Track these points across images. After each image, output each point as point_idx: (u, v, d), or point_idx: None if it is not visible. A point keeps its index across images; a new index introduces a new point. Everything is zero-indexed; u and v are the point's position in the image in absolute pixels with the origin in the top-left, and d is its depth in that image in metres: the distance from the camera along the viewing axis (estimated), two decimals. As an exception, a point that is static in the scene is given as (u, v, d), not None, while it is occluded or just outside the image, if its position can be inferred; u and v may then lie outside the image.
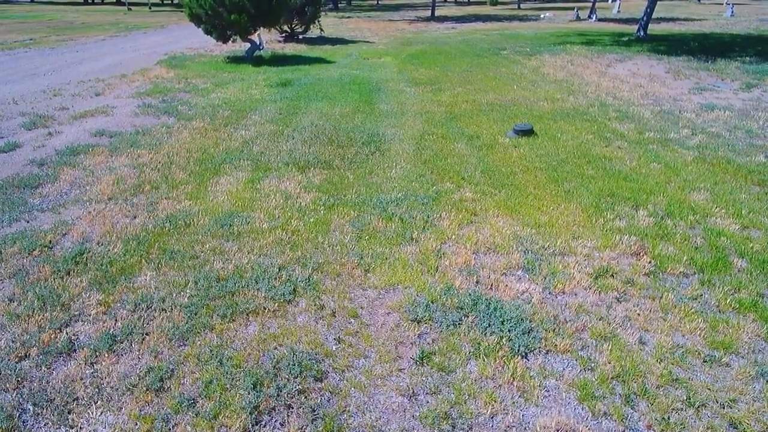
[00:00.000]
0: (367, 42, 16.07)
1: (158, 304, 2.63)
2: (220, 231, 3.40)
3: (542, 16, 26.99)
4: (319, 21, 16.83)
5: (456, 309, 2.65)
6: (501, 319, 2.53)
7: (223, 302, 2.65)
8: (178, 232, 3.37)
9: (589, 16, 24.62)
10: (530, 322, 2.55)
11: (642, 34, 15.30)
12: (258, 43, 12.31)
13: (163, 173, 4.44)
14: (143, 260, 3.02)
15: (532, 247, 3.29)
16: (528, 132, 5.61)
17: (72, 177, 4.37)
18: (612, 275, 3.00)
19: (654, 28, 16.93)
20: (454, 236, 3.42)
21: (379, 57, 12.74)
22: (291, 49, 14.34)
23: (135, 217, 3.58)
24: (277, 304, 2.65)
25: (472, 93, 8.00)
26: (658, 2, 35.16)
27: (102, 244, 3.22)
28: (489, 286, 2.87)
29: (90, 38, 17.02)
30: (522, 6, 36.17)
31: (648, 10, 15.30)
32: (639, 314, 2.65)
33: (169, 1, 42.70)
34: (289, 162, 4.80)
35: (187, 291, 2.74)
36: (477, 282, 2.91)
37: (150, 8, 33.87)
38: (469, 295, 2.75)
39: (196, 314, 2.55)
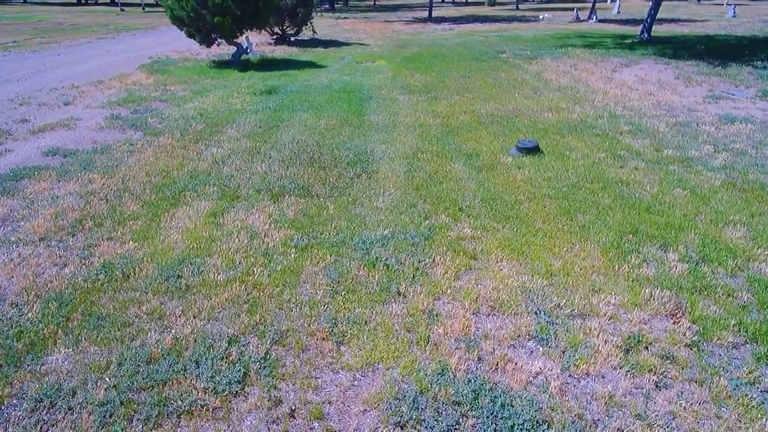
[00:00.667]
0: (362, 44, 15.48)
1: (65, 400, 2.03)
2: (164, 285, 2.79)
3: (541, 17, 26.44)
4: (311, 22, 16.22)
5: (452, 404, 2.05)
6: (510, 423, 1.94)
7: (150, 396, 2.04)
8: (112, 287, 2.76)
9: (589, 17, 24.09)
10: (549, 427, 1.95)
11: (646, 36, 14.74)
12: (245, 47, 11.70)
13: (111, 204, 3.82)
14: (60, 330, 2.42)
15: (544, 305, 2.70)
16: (533, 150, 5.02)
17: (6, 209, 3.76)
18: (646, 347, 2.41)
19: (657, 30, 16.38)
20: (449, 289, 2.83)
21: (373, 61, 12.15)
22: (281, 52, 13.74)
23: (65, 266, 2.97)
24: (219, 399, 2.05)
25: (470, 102, 7.41)
26: (664, 3, 34.68)
27: (16, 306, 2.61)
28: (494, 366, 2.27)
29: (76, 41, 16.38)
30: (520, 7, 35.62)
31: (652, 12, 14.75)
32: (686, 409, 2.06)
33: (162, 2, 42.10)
34: (262, 188, 4.20)
35: (107, 378, 2.13)
36: (479, 359, 2.32)
37: (143, 9, 33.18)
38: (470, 381, 2.15)
39: (110, 417, 1.95)
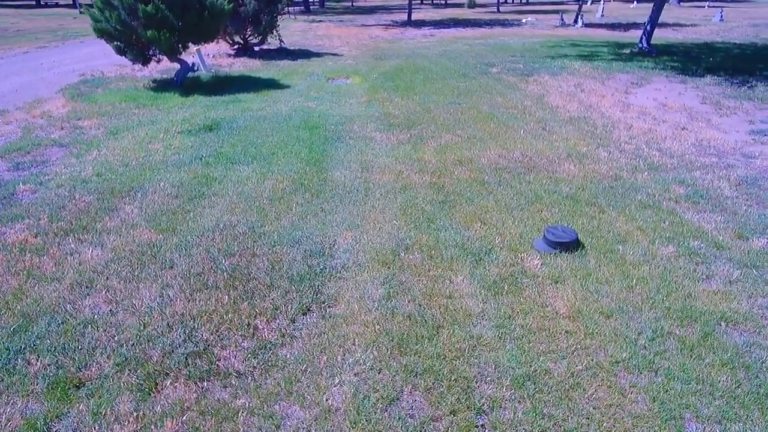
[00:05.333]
0: (335, 54, 13.76)
1: None
2: None
3: (524, 21, 25.14)
4: (277, 30, 14.39)
5: None
6: None
7: None
8: None
9: (575, 22, 22.86)
10: None
11: (646, 46, 13.40)
12: (191, 65, 9.84)
13: None
14: None
15: None
16: (570, 245, 3.41)
17: None
18: None
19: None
20: None
21: (347, 77, 10.45)
22: (240, 66, 11.90)
23: None
24: None
25: (465, 144, 5.78)
26: (639, 6, 33.85)
27: None
28: None
29: (11, 50, 14.20)
30: (501, 9, 34.38)
31: (652, 19, 13.41)
32: None
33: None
34: (130, 359, 2.46)
35: None
36: None
37: (80, 12, 30.64)
38: None
39: None
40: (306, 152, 5.55)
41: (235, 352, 2.53)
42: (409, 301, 2.91)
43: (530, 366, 2.41)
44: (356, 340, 2.62)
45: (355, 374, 2.39)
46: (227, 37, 13.79)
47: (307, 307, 2.89)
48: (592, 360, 2.45)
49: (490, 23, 24.21)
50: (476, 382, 2.32)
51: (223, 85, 9.38)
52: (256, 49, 14.46)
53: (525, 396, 2.24)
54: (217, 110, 7.43)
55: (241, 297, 2.97)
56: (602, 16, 27.35)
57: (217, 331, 2.68)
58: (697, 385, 2.27)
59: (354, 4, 44.92)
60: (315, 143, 5.88)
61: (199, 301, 2.92)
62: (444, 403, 2.20)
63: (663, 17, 20.79)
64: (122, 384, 2.31)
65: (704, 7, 33.81)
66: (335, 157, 5.42)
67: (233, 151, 5.56)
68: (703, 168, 5.01)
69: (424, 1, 48.37)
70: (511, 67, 11.10)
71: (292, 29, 20.36)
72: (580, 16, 22.77)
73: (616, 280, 3.09)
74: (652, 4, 13.63)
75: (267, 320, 2.78)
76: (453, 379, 2.33)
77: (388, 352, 2.52)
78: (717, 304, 2.84)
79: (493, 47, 14.74)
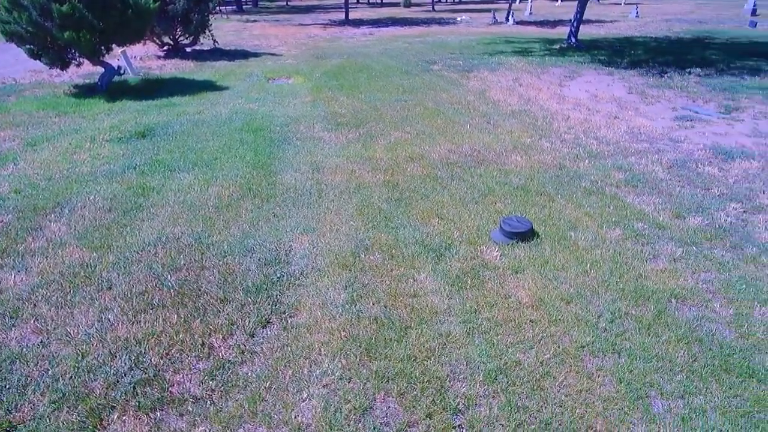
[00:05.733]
0: (274, 54, 13.35)
1: None
2: None
3: (459, 19, 25.80)
4: (210, 30, 13.73)
5: None
6: None
7: None
8: None
9: (507, 19, 23.77)
10: None
11: (573, 41, 14.17)
12: (117, 68, 9.13)
13: None
14: None
15: None
16: (525, 235, 3.47)
17: None
18: None
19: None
20: None
21: (288, 77, 10.17)
22: (173, 68, 11.24)
23: None
24: None
25: (415, 140, 5.77)
26: (563, 4, 35.78)
27: None
28: None
29: None
30: (436, 8, 35.09)
31: (578, 16, 14.20)
32: None
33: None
34: (68, 394, 2.18)
35: None
36: None
37: None
38: None
39: None
40: (251, 156, 5.30)
41: (189, 376, 2.32)
42: (373, 304, 2.82)
43: (500, 359, 2.40)
44: (322, 349, 2.49)
45: (324, 386, 2.26)
46: (155, 38, 12.97)
47: (266, 319, 2.72)
48: (559, 347, 2.48)
49: (427, 22, 24.60)
50: (449, 381, 2.27)
51: (155, 89, 8.79)
52: (188, 50, 13.73)
53: (498, 390, 2.22)
54: (150, 115, 6.94)
55: (192, 314, 2.74)
56: (531, 14, 28.62)
57: (167, 354, 2.45)
58: (658, 363, 2.36)
59: (289, 3, 44.04)
60: (260, 146, 5.63)
61: (145, 322, 2.66)
62: (419, 407, 2.13)
63: (586, 14, 22.08)
64: (61, 423, 2.04)
65: (621, 4, 36.39)
66: (283, 159, 5.21)
67: (171, 157, 5.19)
68: (637, 154, 5.32)
69: (360, 1, 48.40)
70: (451, 64, 11.30)
71: (225, 29, 19.57)
72: (511, 14, 23.71)
73: (571, 266, 3.17)
74: (576, 3, 14.44)
75: (223, 337, 2.58)
76: (426, 380, 2.27)
77: (357, 359, 2.41)
78: (666, 282, 2.99)
79: (432, 45, 14.95)
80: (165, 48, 13.48)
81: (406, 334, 2.58)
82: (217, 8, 17.82)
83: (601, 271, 3.11)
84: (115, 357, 2.42)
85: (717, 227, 3.67)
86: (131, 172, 4.78)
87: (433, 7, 35.12)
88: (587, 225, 3.71)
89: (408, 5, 38.50)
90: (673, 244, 3.44)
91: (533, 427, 2.04)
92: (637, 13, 26.19)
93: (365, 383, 2.28)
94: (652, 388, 2.22)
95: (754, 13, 23.19)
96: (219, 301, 2.86)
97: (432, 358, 2.41)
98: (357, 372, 2.34)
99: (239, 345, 2.53)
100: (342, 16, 26.89)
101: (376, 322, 2.66)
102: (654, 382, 2.26)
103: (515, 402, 2.16)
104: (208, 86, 9.09)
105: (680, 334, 2.54)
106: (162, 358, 2.42)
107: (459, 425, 2.06)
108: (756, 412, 2.08)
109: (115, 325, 2.63)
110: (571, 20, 14.57)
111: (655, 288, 2.93)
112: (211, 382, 2.28)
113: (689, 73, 9.62)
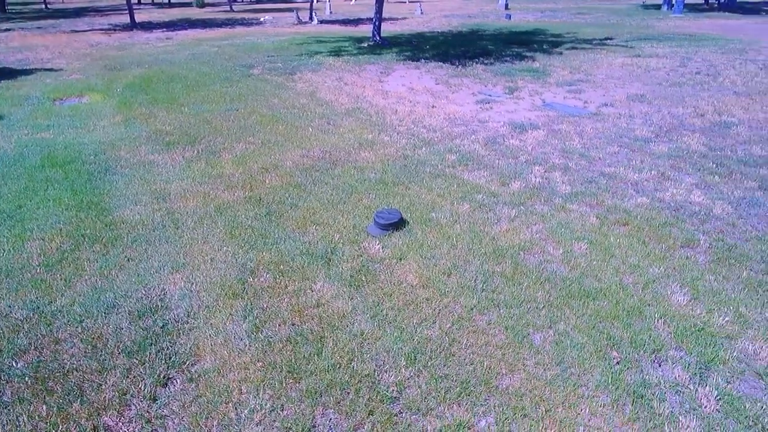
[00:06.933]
0: (51, 70, 11.14)
1: None
2: None
3: (262, 19, 25.41)
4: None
5: None
6: None
7: None
8: None
9: (311, 19, 24.35)
10: None
11: (378, 38, 15.40)
12: None
13: None
14: None
15: None
16: (398, 224, 3.80)
17: None
18: None
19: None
20: None
21: (80, 95, 8.68)
22: None
23: None
24: None
25: (263, 150, 5.62)
26: (359, 3, 38.24)
27: None
28: None
29: None
30: (234, 8, 33.73)
31: (378, 15, 15.45)
32: None
33: None
34: None
35: None
36: None
37: None
38: None
39: None
40: (69, 196, 4.46)
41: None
42: (280, 325, 2.77)
43: (413, 340, 2.65)
44: (242, 387, 2.37)
45: (258, 423, 2.18)
46: None
47: (164, 376, 2.43)
48: (454, 315, 2.86)
49: (230, 23, 23.53)
50: (378, 375, 2.43)
51: None
52: None
53: (421, 368, 2.47)
54: None
55: (66, 399, 2.28)
56: (331, 13, 29.85)
57: (52, 454, 2.01)
58: (527, 305, 2.93)
59: (48, 6, 36.84)
60: (77, 183, 4.77)
61: (5, 425, 2.11)
62: (358, 409, 2.24)
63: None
64: None
65: (406, 2, 40.65)
66: (114, 193, 4.53)
67: (-48, 215, 4.02)
68: (459, 137, 6.21)
69: (141, 1, 43.31)
70: (271, 67, 11.16)
71: (-33, 40, 15.43)
72: (314, 14, 24.34)
73: (442, 243, 3.62)
74: (374, 2, 15.66)
75: (118, 411, 2.23)
76: (356, 382, 2.38)
77: (283, 385, 2.37)
78: (512, 239, 3.67)
79: (244, 48, 14.45)
80: None
81: (323, 344, 2.63)
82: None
83: (465, 241, 3.64)
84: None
85: (532, 187, 4.62)
86: None
87: (231, 7, 33.63)
88: (442, 205, 4.25)
89: (202, 5, 36.09)
90: (507, 207, 4.21)
91: (457, 389, 2.35)
92: (421, 10, 29.62)
93: (299, 405, 2.27)
94: (529, 327, 2.77)
95: (507, 6, 28.62)
96: (95, 373, 2.44)
97: (355, 359, 2.52)
98: (287, 397, 2.31)
99: (142, 414, 2.22)
100: (125, 19, 23.73)
101: (290, 342, 2.64)
102: (529, 321, 2.80)
103: (437, 373, 2.44)
104: (-31, 116, 7.16)
105: (534, 278, 3.19)
106: (45, 461, 1.98)
107: (399, 412, 2.24)
108: (598, 322, 2.78)
109: (-43, 444, 2.03)
110: (372, 19, 15.75)
111: (506, 246, 3.57)
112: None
113: (476, 62, 11.48)
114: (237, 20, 25.03)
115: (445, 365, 2.49)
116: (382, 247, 3.56)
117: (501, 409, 2.24)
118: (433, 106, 7.72)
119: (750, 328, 2.75)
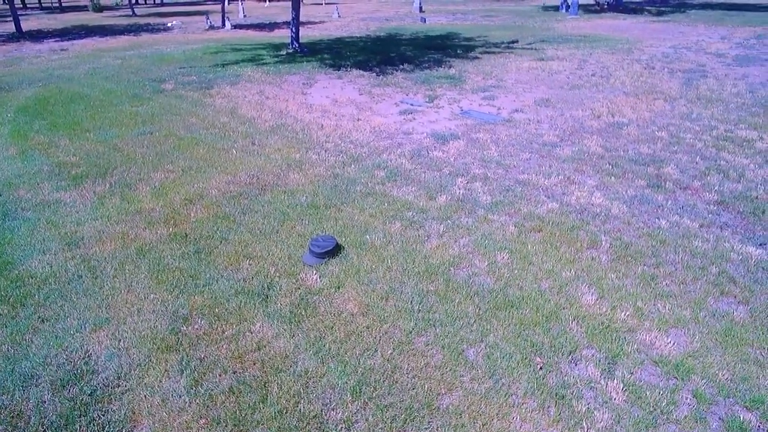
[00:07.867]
0: None
1: None
2: None
3: (170, 24, 23.99)
4: None
5: None
6: None
7: None
8: None
9: (223, 24, 23.42)
10: None
11: (297, 45, 15.21)
12: None
13: None
14: None
15: None
16: (333, 251, 3.85)
17: None
18: None
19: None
20: None
21: (-40, 123, 7.68)
22: None
23: None
24: None
25: (184, 178, 5.38)
26: (272, 5, 37.30)
27: None
28: None
29: None
30: (137, 12, 31.48)
31: (295, 21, 15.24)
32: None
33: None
34: None
35: None
36: None
37: None
38: None
39: None
40: (-38, 248, 3.99)
41: None
42: (221, 375, 2.73)
43: (357, 373, 2.74)
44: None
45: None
46: None
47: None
48: (394, 340, 2.99)
49: (134, 29, 21.95)
50: (325, 414, 2.48)
51: None
52: None
53: (366, 400, 2.57)
54: None
55: (-14, 492, 2.09)
56: (245, 16, 28.89)
57: None
58: (460, 321, 3.14)
59: None
60: (-30, 231, 4.27)
61: None
62: (310, 450, 2.28)
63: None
64: None
65: (322, 4, 40.40)
66: (16, 242, 4.13)
67: None
68: (385, 151, 6.38)
69: (28, 6, 39.02)
70: (185, 81, 10.63)
71: None
72: (226, 18, 23.42)
73: (377, 266, 3.74)
74: (291, 8, 15.42)
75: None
76: (305, 424, 2.42)
77: (232, 441, 2.36)
78: (442, 256, 3.88)
79: (152, 59, 13.60)
80: None
81: (267, 390, 2.63)
82: None
83: (399, 262, 3.79)
84: None
85: (456, 200, 4.89)
86: None
87: (133, 11, 31.35)
88: (375, 225, 4.37)
89: (99, 9, 33.27)
90: (435, 222, 4.43)
91: (402, 416, 2.47)
92: (338, 13, 29.65)
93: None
94: (463, 343, 2.97)
95: (421, 9, 29.47)
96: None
97: (301, 401, 2.56)
98: (236, 451, 2.30)
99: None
100: (10, 27, 21.28)
101: (232, 393, 2.61)
102: (462, 337, 3.01)
103: (382, 403, 2.55)
104: None
105: (464, 293, 3.41)
106: None
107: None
108: (523, 330, 3.05)
109: None
110: (288, 23, 15.51)
111: (438, 263, 3.78)
112: None
113: (396, 70, 11.77)
114: (141, 26, 23.43)
115: (389, 393, 2.61)
116: (320, 277, 3.60)
117: (443, 430, 2.40)
118: (358, 119, 7.83)
119: (646, 320, 3.17)
